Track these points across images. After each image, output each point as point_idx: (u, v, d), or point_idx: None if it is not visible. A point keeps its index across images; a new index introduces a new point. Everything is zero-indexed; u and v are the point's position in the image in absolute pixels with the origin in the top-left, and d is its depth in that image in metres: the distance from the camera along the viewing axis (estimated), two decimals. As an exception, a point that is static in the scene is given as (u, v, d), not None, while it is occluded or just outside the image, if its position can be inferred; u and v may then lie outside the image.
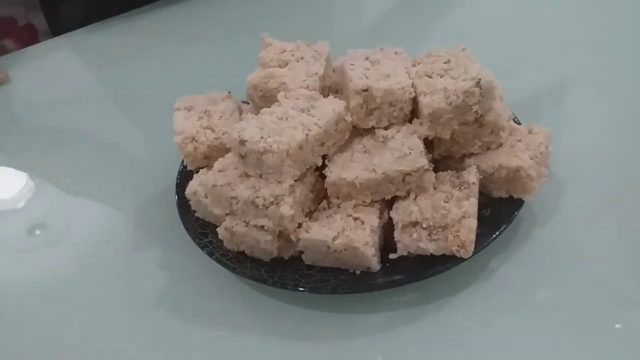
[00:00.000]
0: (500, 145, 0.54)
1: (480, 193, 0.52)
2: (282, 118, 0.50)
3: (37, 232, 0.64)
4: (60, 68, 0.90)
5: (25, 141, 0.77)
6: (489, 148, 0.54)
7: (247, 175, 0.51)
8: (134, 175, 0.69)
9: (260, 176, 0.50)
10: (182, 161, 0.62)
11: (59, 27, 1.00)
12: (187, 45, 0.89)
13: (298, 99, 0.52)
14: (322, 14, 0.92)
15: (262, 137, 0.48)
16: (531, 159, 0.52)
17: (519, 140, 0.54)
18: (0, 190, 0.71)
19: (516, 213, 0.53)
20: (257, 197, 0.49)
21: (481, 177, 0.53)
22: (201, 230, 0.56)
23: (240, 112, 0.60)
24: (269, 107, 0.52)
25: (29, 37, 1.08)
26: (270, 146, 0.48)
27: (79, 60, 0.92)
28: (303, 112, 0.51)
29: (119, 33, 0.93)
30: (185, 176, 0.61)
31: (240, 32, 0.88)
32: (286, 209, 0.48)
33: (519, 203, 0.53)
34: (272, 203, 0.49)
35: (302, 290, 0.50)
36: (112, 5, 0.96)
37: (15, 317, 0.56)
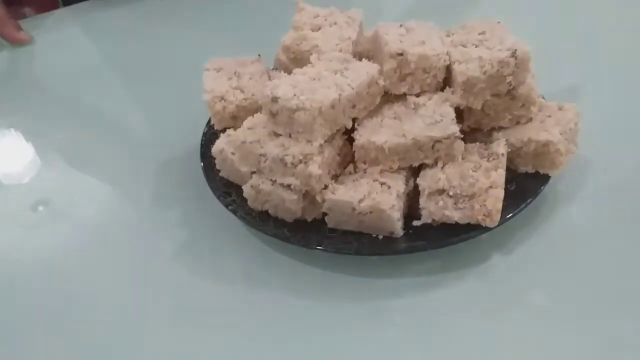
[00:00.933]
0: (530, 120, 0.54)
1: (507, 168, 0.52)
2: (315, 78, 0.50)
3: (54, 200, 0.63)
4: (77, 36, 0.89)
5: (43, 107, 0.76)
6: (518, 122, 0.54)
7: (277, 135, 0.51)
8: (157, 138, 0.69)
9: (290, 136, 0.50)
10: (207, 123, 0.62)
11: None
12: (211, 16, 0.89)
13: (331, 60, 0.52)
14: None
15: (295, 95, 0.48)
16: (560, 134, 0.52)
17: (549, 116, 0.54)
18: (20, 157, 0.70)
19: (542, 188, 0.53)
20: (286, 155, 0.49)
21: (509, 150, 0.53)
22: (225, 189, 0.56)
23: (269, 76, 0.60)
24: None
25: (49, 6, 1.07)
26: (303, 104, 0.48)
27: (97, 28, 0.90)
28: (336, 73, 0.51)
29: (140, 3, 0.93)
30: (209, 138, 0.61)
31: (268, 5, 0.88)
32: (315, 168, 0.48)
33: (544, 179, 0.53)
34: (300, 161, 0.49)
35: (324, 250, 0.50)
36: None
37: (44, 277, 0.56)
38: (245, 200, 0.54)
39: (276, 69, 0.61)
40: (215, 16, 0.88)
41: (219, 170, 0.57)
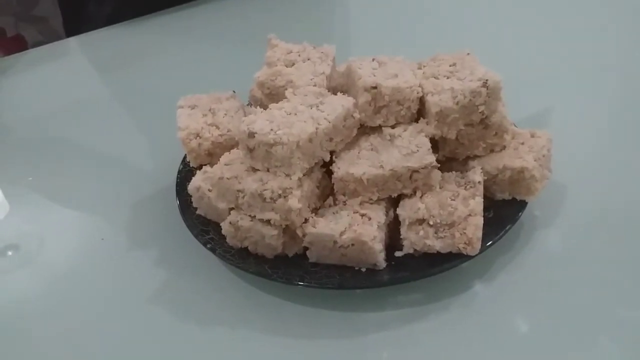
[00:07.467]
0: (504, 148, 0.54)
1: (484, 196, 0.52)
2: (291, 113, 0.51)
3: (24, 244, 0.61)
4: (44, 77, 0.88)
5: (11, 150, 0.75)
6: (492, 150, 0.54)
7: (254, 170, 0.51)
8: (130, 178, 0.68)
9: (268, 170, 0.50)
10: (182, 161, 0.62)
11: (80, 27, 0.98)
12: (188, 51, 0.89)
13: (306, 95, 0.53)
14: (321, 25, 0.93)
15: (272, 130, 0.48)
16: (535, 160, 0.53)
17: (522, 143, 0.55)
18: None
19: (520, 214, 0.53)
20: (265, 190, 0.49)
21: (485, 178, 0.53)
22: (202, 227, 0.55)
23: (244, 112, 0.60)
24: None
25: (17, 48, 1.07)
26: (280, 138, 0.48)
27: (67, 69, 0.90)
28: (312, 107, 0.51)
29: (112, 39, 0.93)
30: (184, 176, 0.60)
31: (245, 40, 0.88)
32: (294, 202, 0.48)
33: (521, 205, 0.54)
34: (280, 196, 0.48)
35: (307, 285, 0.49)
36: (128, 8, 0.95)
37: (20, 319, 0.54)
38: (223, 237, 0.53)
39: (251, 105, 0.61)
40: (187, 54, 0.88)
41: (195, 208, 0.56)
